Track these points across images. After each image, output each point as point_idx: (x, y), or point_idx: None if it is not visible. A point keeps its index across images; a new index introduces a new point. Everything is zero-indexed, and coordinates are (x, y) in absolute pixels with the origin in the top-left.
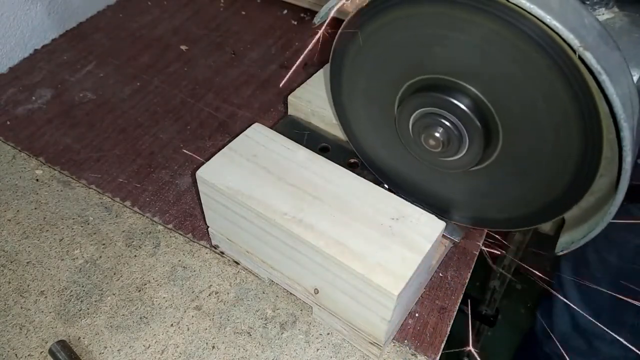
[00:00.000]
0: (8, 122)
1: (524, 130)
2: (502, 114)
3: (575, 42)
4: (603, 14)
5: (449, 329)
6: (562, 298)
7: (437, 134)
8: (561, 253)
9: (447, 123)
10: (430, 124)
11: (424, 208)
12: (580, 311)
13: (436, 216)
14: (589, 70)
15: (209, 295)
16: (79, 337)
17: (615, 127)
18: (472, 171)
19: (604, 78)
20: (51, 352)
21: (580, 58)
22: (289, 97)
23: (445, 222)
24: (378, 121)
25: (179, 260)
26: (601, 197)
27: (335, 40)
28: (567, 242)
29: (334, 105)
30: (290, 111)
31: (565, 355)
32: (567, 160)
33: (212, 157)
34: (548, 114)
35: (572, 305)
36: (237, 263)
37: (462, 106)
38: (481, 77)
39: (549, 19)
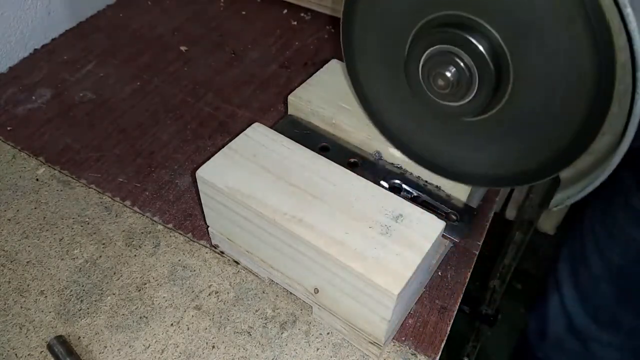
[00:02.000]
0: (8, 122)
1: (536, 81)
2: (517, 60)
3: None
4: None
5: (449, 328)
6: (558, 297)
7: (448, 74)
8: (555, 208)
9: (461, 63)
10: (443, 62)
11: (435, 171)
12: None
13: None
14: (618, 8)
15: (209, 294)
16: (79, 337)
17: (632, 65)
18: (476, 122)
19: (628, 11)
20: (49, 346)
21: None
22: (289, 97)
23: (445, 221)
24: (390, 63)
25: (179, 260)
26: (600, 157)
27: None
28: (563, 197)
29: (344, 44)
30: (290, 111)
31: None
32: (574, 112)
33: (212, 156)
34: (564, 65)
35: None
36: (237, 263)
37: (480, 47)
38: (504, 19)
39: None
